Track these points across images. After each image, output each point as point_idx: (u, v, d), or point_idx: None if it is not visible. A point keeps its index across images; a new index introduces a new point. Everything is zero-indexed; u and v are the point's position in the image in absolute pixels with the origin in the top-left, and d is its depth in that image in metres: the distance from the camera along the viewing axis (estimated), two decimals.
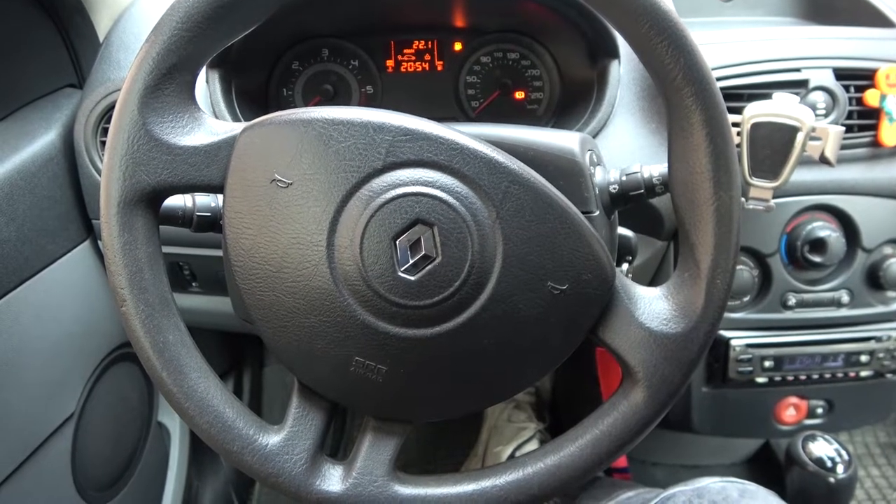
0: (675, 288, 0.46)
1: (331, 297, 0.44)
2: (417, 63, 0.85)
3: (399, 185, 0.43)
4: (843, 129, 0.67)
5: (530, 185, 0.44)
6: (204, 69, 0.74)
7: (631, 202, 0.54)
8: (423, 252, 0.42)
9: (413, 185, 0.43)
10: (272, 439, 0.46)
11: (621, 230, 0.61)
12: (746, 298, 0.81)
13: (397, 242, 0.43)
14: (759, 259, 0.80)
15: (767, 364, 0.81)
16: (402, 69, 0.85)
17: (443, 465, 1.32)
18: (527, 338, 0.45)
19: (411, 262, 0.42)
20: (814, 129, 0.67)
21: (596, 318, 0.46)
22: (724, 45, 0.79)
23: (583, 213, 0.46)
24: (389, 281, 0.43)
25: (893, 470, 1.27)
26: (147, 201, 0.45)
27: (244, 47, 0.78)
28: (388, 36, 0.85)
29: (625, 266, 0.64)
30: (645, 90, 0.76)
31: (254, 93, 0.82)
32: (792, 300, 0.80)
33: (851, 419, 0.91)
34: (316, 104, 0.84)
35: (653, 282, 0.83)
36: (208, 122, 0.46)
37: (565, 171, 0.51)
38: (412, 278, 0.43)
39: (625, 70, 0.78)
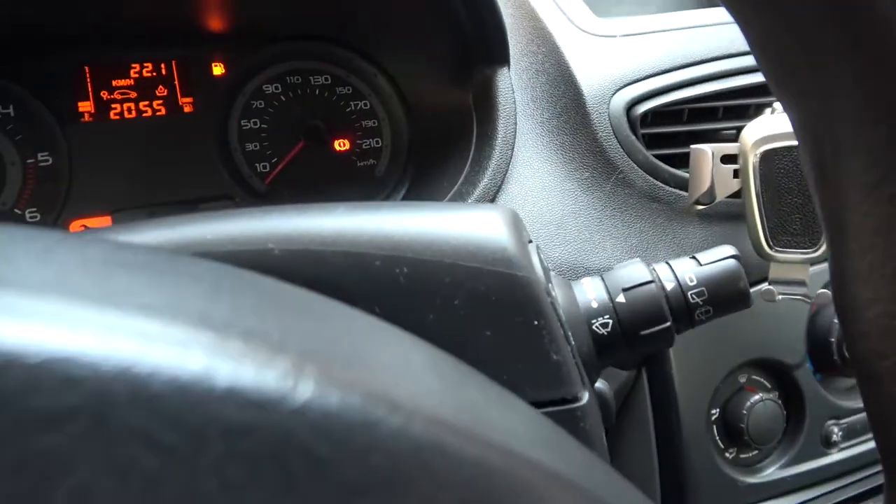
0: None
1: None
2: (143, 102, 0.45)
3: None
4: None
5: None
6: None
7: (639, 348, 0.27)
8: None
9: None
10: None
11: None
12: (772, 444, 0.48)
13: None
14: (780, 376, 0.48)
15: None
16: (113, 115, 0.45)
17: None
18: None
19: None
20: None
21: None
22: (663, 37, 0.49)
23: (560, 403, 0.20)
24: None
25: None
26: None
27: None
28: (77, 53, 0.44)
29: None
30: (550, 101, 0.43)
31: None
32: (836, 433, 0.49)
33: None
34: None
35: (621, 422, 0.47)
36: None
37: (504, 308, 0.21)
38: None
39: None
